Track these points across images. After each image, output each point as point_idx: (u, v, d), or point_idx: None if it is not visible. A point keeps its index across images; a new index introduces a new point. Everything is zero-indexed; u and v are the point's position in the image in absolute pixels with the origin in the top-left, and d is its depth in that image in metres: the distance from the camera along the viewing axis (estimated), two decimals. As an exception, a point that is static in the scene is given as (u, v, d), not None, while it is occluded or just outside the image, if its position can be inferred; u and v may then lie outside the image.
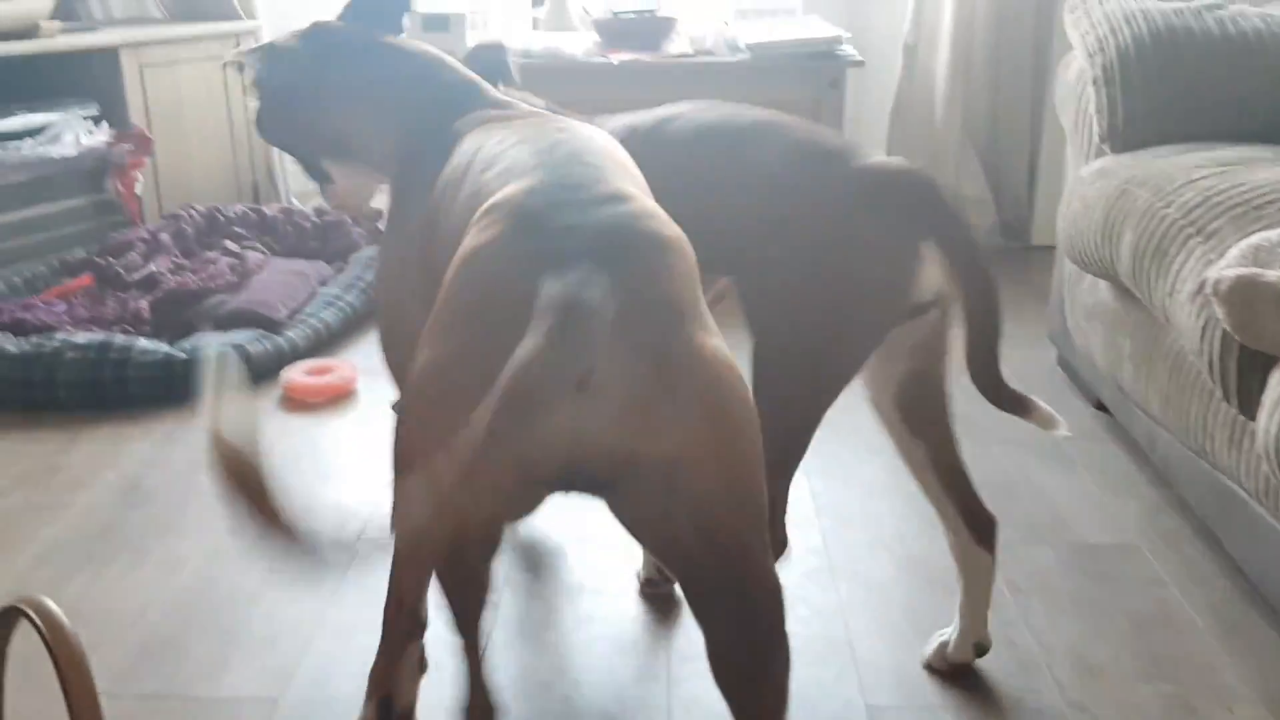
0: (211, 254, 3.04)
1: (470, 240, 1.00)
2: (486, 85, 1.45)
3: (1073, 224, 2.18)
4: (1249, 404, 1.51)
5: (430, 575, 1.33)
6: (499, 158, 1.13)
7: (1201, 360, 1.60)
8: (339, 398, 2.51)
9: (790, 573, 1.80)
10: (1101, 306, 2.23)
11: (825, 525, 1.97)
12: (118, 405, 2.43)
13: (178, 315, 2.74)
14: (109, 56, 3.24)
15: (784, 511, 1.44)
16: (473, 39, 3.44)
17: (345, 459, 2.23)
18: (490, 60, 1.76)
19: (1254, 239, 1.53)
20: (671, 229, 1.00)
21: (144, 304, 2.76)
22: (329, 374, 2.55)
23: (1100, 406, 2.39)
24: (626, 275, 0.91)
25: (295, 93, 1.49)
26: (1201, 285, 1.58)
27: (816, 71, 3.14)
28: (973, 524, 1.55)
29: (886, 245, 1.35)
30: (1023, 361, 2.68)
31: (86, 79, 3.27)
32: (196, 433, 2.32)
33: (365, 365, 2.64)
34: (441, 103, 1.40)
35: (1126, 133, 2.24)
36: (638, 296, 0.91)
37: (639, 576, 1.81)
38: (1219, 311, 1.48)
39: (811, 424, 1.40)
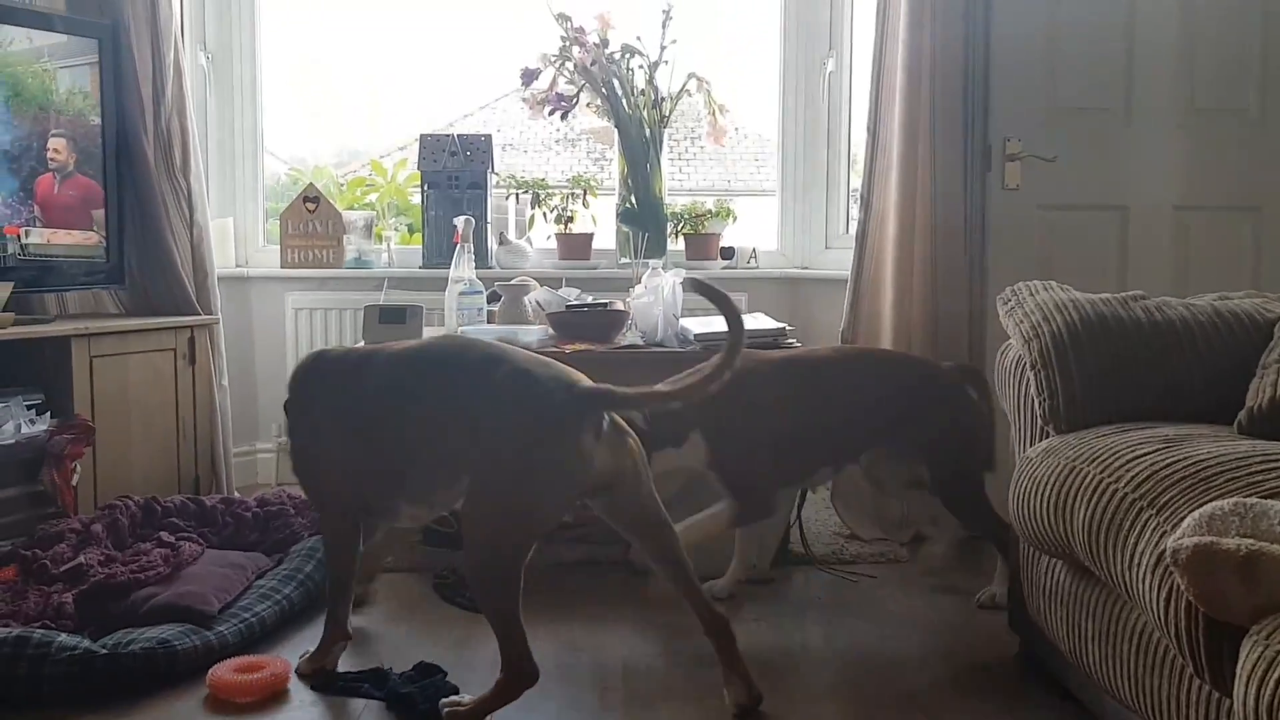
0: (145, 545, 2.93)
1: None
2: None
3: (1024, 504, 2.17)
4: (1221, 677, 1.45)
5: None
6: None
7: (1168, 634, 1.55)
8: (269, 697, 2.35)
9: None
10: (1060, 589, 2.19)
11: None
12: (29, 705, 2.26)
13: (103, 609, 2.60)
14: (59, 345, 3.25)
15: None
16: (428, 332, 3.51)
17: (271, 761, 2.06)
18: None
19: (1207, 509, 1.51)
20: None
21: (68, 598, 2.63)
22: (259, 671, 2.40)
23: (1068, 696, 2.30)
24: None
25: None
26: (1161, 556, 1.56)
27: (762, 361, 3.20)
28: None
29: None
30: (986, 652, 2.60)
31: (36, 368, 3.26)
32: (110, 734, 2.15)
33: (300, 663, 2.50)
34: None
35: (1068, 414, 2.28)
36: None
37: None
38: (1181, 582, 1.45)
39: None
